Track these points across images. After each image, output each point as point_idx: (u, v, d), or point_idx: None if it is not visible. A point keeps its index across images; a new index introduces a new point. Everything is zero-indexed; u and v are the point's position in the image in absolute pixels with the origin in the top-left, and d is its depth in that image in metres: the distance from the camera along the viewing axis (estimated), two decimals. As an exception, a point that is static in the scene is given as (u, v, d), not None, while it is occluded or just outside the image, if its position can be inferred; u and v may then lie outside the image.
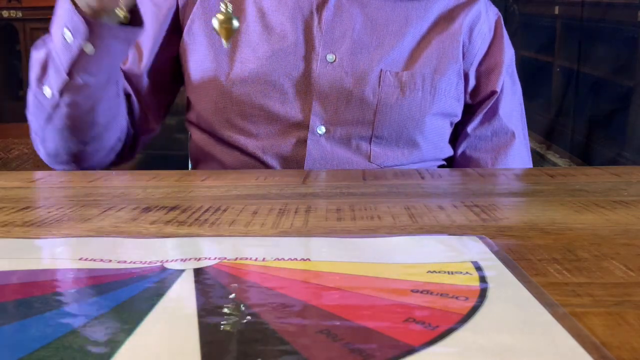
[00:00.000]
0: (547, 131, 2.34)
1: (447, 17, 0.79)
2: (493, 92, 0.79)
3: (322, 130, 0.74)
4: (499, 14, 0.83)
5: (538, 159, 2.23)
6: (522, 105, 0.85)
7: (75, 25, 0.62)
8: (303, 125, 0.74)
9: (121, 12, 0.61)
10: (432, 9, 0.79)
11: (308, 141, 0.74)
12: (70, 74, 0.64)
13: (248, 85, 0.74)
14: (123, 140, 0.78)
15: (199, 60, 0.77)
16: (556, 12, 2.36)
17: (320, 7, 0.76)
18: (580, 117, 2.22)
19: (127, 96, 0.78)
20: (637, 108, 2.03)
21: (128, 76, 0.78)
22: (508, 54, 0.81)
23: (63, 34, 0.63)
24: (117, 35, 0.64)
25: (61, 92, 0.66)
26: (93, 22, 0.62)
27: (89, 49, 0.63)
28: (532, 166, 0.85)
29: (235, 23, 0.58)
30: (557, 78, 2.37)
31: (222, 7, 0.57)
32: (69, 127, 0.69)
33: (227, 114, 0.75)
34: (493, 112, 0.80)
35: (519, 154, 0.81)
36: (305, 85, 0.75)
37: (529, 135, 0.85)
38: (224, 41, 0.58)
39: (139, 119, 0.80)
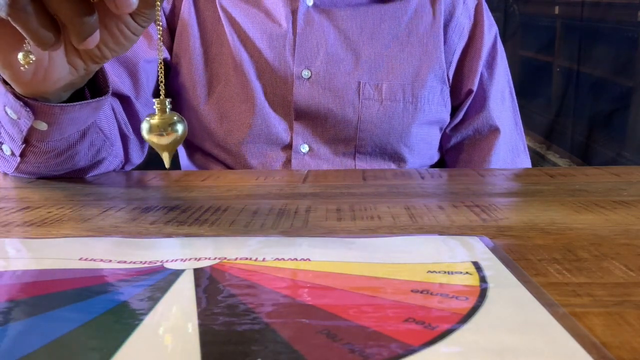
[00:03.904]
0: (547, 131, 2.35)
1: (424, 12, 0.75)
2: (470, 91, 0.76)
3: (305, 148, 0.74)
4: None
5: (538, 159, 2.23)
6: (508, 88, 0.80)
7: (15, 107, 0.48)
8: (287, 145, 0.74)
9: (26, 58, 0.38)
10: (407, 6, 0.75)
11: (292, 160, 0.73)
12: (27, 142, 0.52)
13: (231, 106, 0.73)
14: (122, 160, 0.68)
15: (182, 81, 0.75)
16: (556, 12, 2.36)
17: (290, 22, 0.73)
18: (580, 117, 2.22)
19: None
20: (637, 108, 2.03)
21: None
22: (487, 43, 0.77)
23: (5, 110, 0.50)
24: (73, 111, 0.50)
25: (23, 154, 0.54)
26: (36, 105, 0.47)
27: (42, 126, 0.50)
28: (527, 154, 0.82)
29: (180, 128, 0.38)
30: (557, 78, 2.37)
31: (156, 106, 0.38)
32: (43, 174, 0.58)
33: (210, 133, 0.75)
34: (473, 111, 0.77)
35: (505, 146, 0.78)
36: (285, 105, 0.73)
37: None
38: (165, 159, 0.40)
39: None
